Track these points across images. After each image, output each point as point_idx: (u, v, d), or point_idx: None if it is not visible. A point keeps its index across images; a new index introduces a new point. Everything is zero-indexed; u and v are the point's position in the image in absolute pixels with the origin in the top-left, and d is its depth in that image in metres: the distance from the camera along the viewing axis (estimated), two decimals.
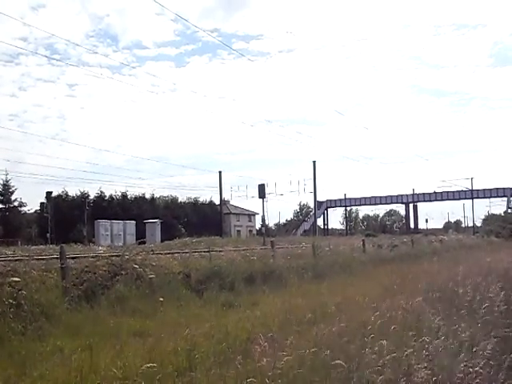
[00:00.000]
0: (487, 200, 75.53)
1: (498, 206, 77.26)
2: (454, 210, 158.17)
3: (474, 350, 4.22)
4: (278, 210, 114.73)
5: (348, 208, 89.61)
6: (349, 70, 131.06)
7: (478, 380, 3.61)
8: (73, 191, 60.49)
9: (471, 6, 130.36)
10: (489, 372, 3.71)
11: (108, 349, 6.32)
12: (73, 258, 11.78)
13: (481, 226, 72.65)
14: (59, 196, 58.63)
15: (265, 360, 4.24)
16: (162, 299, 10.22)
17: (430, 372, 3.74)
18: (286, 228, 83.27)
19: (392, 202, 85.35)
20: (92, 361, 5.38)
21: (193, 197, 70.48)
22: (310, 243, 21.19)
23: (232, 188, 66.02)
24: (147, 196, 64.62)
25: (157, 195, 66.99)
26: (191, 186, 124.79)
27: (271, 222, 76.78)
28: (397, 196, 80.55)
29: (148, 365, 4.45)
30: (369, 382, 3.85)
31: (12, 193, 54.74)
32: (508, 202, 72.09)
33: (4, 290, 8.26)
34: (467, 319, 5.60)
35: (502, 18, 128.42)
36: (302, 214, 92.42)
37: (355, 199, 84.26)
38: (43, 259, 11.36)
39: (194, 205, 69.05)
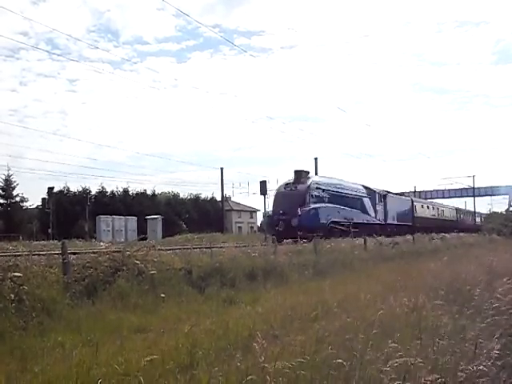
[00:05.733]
0: (489, 198, 75.57)
1: (500, 204, 77.11)
2: None
3: (479, 350, 4.18)
4: None
5: None
6: (351, 66, 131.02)
7: (483, 379, 3.57)
8: (74, 187, 60.50)
9: (474, 3, 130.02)
10: (495, 372, 3.66)
11: (109, 344, 6.31)
12: (74, 253, 11.78)
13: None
14: (61, 192, 58.57)
15: (266, 357, 4.21)
16: (163, 295, 10.21)
17: (433, 371, 3.70)
18: None
19: None
20: (93, 356, 5.37)
21: (194, 193, 70.65)
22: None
23: (233, 184, 65.85)
24: (148, 192, 64.66)
25: (158, 191, 67.08)
26: (193, 182, 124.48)
27: None
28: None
29: (148, 358, 4.44)
30: (371, 381, 3.82)
31: (13, 188, 54.76)
32: (510, 200, 71.94)
33: (5, 285, 8.25)
34: (473, 318, 5.56)
35: (505, 16, 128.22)
36: None
37: None
38: (45, 254, 11.35)
39: (196, 201, 69.06)
